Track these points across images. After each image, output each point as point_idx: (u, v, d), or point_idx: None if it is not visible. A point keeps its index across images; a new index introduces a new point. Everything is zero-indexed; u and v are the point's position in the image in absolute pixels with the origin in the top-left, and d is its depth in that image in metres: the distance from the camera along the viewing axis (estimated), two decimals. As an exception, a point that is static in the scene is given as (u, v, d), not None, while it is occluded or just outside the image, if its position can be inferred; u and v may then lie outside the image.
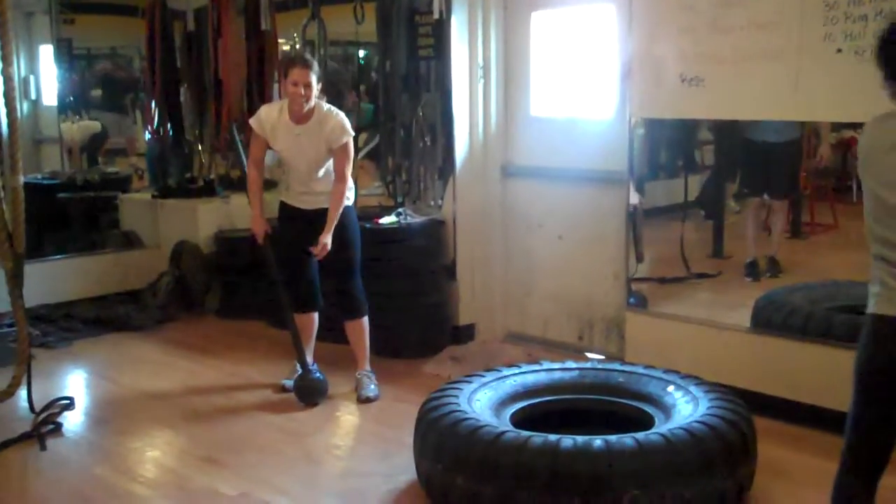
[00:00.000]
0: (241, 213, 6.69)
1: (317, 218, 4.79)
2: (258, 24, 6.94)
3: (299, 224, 4.89)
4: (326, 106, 4.83)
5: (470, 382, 4.05)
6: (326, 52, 6.60)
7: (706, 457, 3.36)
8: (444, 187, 5.86)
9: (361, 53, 7.10)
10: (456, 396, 3.86)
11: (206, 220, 6.95)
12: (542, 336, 5.84)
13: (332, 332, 5.25)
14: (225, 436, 4.54)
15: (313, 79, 4.67)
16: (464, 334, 5.87)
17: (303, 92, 4.65)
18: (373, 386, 4.97)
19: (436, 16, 5.64)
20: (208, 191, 7.30)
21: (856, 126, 4.97)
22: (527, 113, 5.76)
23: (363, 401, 4.91)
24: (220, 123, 7.14)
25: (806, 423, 4.28)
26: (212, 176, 7.54)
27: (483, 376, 4.13)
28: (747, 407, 3.73)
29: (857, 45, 4.05)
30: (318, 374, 4.98)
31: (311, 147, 4.76)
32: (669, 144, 7.19)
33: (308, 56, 4.90)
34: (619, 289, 5.31)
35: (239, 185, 6.84)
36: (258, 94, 6.94)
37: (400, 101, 6.03)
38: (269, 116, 4.86)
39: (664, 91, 4.80)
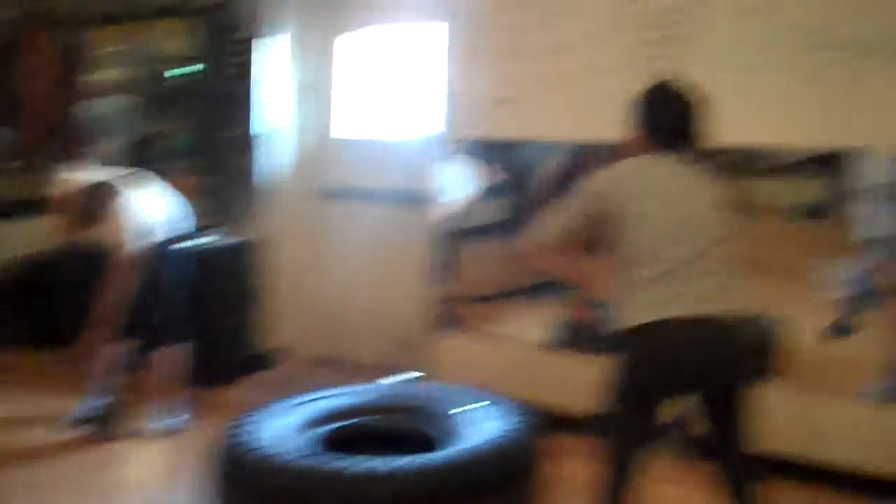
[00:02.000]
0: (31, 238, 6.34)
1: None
2: (69, 40, 6.66)
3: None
4: None
5: (271, 408, 3.93)
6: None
7: (503, 472, 3.38)
8: (258, 208, 5.75)
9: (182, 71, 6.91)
10: (255, 423, 3.73)
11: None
12: (353, 358, 5.77)
13: (136, 361, 5.02)
14: (16, 472, 4.26)
15: None
16: (273, 359, 5.75)
17: None
18: (174, 417, 4.78)
19: (250, 36, 5.56)
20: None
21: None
22: (341, 134, 5.72)
23: (162, 432, 4.72)
24: (25, 142, 6.81)
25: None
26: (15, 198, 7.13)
27: (285, 401, 4.02)
28: (544, 422, 3.76)
29: (654, 68, 4.17)
30: (112, 406, 4.76)
31: None
32: (488, 164, 7.27)
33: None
34: (430, 308, 5.30)
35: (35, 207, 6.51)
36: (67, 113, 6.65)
37: (216, 121, 5.89)
38: None
39: (480, 111, 4.85)
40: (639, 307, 2.80)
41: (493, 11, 4.75)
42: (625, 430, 2.86)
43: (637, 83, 4.20)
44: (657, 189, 2.87)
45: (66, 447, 4.57)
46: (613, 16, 4.35)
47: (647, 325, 2.78)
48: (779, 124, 4.08)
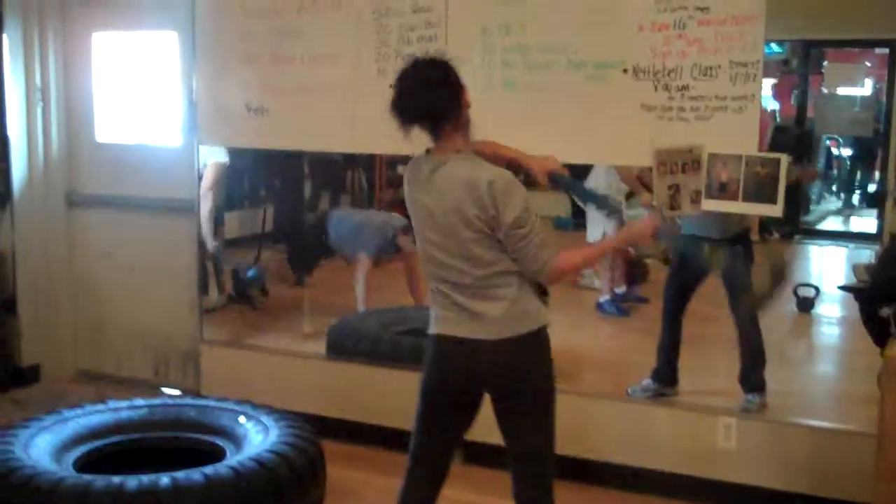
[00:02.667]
0: None
1: None
2: None
3: None
4: None
5: (27, 427, 3.76)
6: None
7: (275, 484, 3.40)
8: (5, 217, 5.43)
9: None
10: (10, 444, 3.57)
11: None
12: (116, 373, 5.56)
13: None
14: None
15: None
16: (27, 375, 5.45)
17: None
18: None
19: (-10, 35, 5.24)
20: None
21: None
22: (91, 138, 5.48)
23: None
24: None
25: (375, 443, 4.44)
26: None
27: (42, 420, 3.85)
28: (315, 432, 3.81)
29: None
30: None
31: None
32: (251, 174, 7.26)
33: None
34: (194, 321, 5.21)
35: None
36: None
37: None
38: None
39: (230, 120, 4.78)
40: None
41: (232, 21, 4.70)
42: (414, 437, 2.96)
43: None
44: (415, 204, 2.84)
45: None
46: (364, 27, 4.39)
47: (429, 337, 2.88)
48: (522, 139, 4.27)
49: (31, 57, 5.36)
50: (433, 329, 2.86)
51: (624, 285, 6.77)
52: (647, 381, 4.78)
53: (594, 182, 6.47)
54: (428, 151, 2.81)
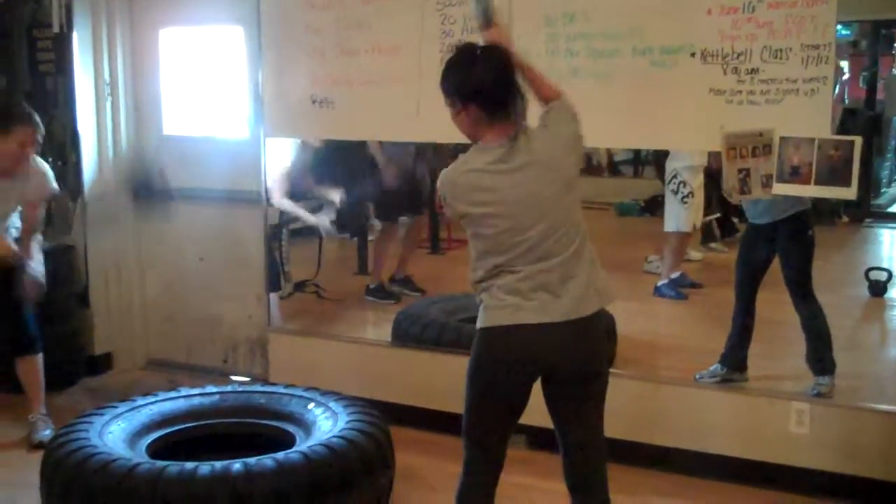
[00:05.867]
0: None
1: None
2: None
3: None
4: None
5: (102, 415, 3.83)
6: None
7: (345, 470, 3.42)
8: (78, 211, 5.55)
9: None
10: (86, 431, 3.64)
11: None
12: (186, 361, 5.67)
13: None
14: None
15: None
16: (100, 364, 5.58)
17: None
18: (48, 430, 4.50)
19: (56, 30, 5.33)
20: None
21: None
22: (160, 131, 5.58)
23: (37, 446, 4.41)
24: None
25: (441, 429, 4.45)
26: None
27: (116, 407, 3.93)
28: (384, 418, 3.83)
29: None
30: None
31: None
32: (317, 164, 7.31)
33: (30, 110, 4.47)
34: (262, 309, 5.28)
35: None
36: None
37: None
38: None
39: (296, 112, 4.83)
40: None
41: (298, 14, 4.72)
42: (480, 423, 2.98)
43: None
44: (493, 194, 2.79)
45: None
46: (428, 18, 4.39)
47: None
48: (590, 127, 4.25)
49: (99, 53, 5.46)
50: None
51: (678, 272, 6.70)
52: (715, 367, 4.72)
53: (675, 159, 6.44)
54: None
